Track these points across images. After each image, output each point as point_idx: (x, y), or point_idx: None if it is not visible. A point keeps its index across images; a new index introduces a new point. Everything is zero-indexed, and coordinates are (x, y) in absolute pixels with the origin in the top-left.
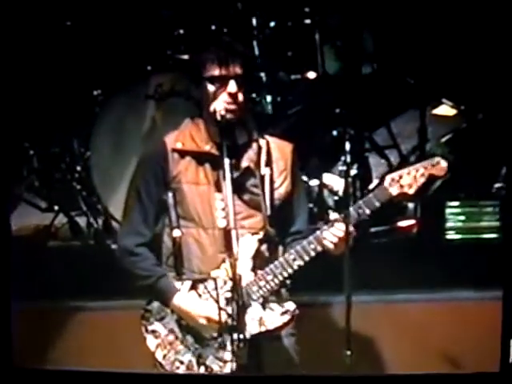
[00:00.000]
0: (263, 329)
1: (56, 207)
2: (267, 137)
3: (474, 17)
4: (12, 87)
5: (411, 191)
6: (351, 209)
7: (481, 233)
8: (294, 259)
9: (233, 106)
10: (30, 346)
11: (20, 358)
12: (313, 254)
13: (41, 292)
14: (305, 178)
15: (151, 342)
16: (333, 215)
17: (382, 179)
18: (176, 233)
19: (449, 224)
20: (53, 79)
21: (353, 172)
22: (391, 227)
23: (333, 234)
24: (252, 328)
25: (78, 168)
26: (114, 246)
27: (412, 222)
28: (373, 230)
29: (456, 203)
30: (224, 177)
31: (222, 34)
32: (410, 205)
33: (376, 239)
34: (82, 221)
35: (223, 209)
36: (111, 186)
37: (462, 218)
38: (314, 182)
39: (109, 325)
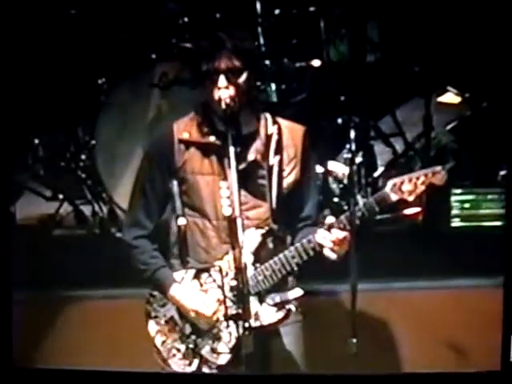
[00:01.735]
0: (258, 324)
1: (61, 196)
2: (280, 120)
3: (479, 4)
4: (17, 76)
5: (411, 198)
6: (349, 213)
7: (486, 220)
8: (293, 257)
9: (227, 99)
10: (33, 339)
11: (21, 355)
12: (311, 253)
13: (46, 281)
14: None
15: (152, 327)
16: (329, 219)
17: (383, 184)
18: (181, 221)
19: (454, 212)
20: (58, 68)
21: (358, 160)
22: (396, 215)
23: (330, 238)
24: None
25: (83, 157)
26: (118, 235)
27: (417, 209)
28: (378, 217)
29: (461, 191)
30: (229, 165)
31: (226, 23)
32: None
33: (381, 227)
34: (87, 209)
35: (228, 197)
36: (116, 174)
37: (467, 205)
38: (319, 170)
39: (114, 314)
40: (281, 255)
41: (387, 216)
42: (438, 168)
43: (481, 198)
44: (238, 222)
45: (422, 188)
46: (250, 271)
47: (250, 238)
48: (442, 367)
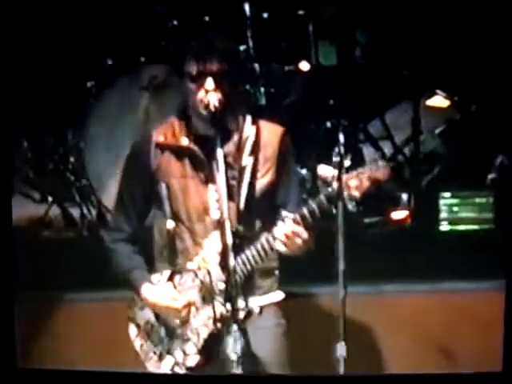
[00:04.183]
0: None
1: (50, 198)
2: (260, 122)
3: (468, 8)
4: (5, 79)
5: (357, 194)
6: (304, 208)
7: (474, 224)
8: (253, 256)
9: (212, 102)
10: (29, 342)
11: (21, 358)
12: (270, 251)
13: (34, 283)
14: (298, 169)
15: (132, 330)
16: (284, 213)
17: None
18: (169, 224)
19: (442, 215)
20: (47, 71)
21: (347, 163)
22: (385, 218)
23: (283, 232)
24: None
25: (72, 159)
26: None
27: (405, 213)
28: (366, 220)
29: (449, 194)
30: (217, 168)
31: (215, 26)
32: (404, 196)
33: (369, 230)
34: (75, 212)
35: (217, 200)
36: (105, 177)
37: (456, 209)
38: (308, 173)
39: (102, 316)
40: (243, 255)
41: (376, 219)
42: (381, 163)
43: (470, 202)
44: (227, 224)
45: (366, 184)
46: (217, 272)
47: (216, 239)
48: (435, 370)
